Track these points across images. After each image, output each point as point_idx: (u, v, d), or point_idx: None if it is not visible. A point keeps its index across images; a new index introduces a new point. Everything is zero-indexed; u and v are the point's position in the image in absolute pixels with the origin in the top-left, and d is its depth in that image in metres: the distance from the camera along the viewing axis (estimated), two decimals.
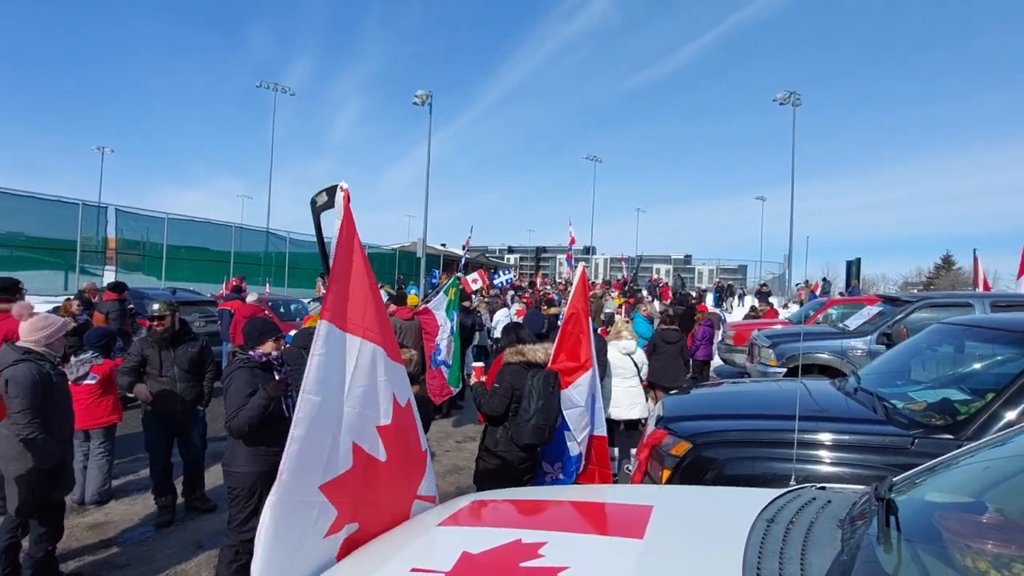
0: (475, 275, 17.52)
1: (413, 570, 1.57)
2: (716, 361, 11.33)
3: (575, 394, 3.57)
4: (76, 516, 4.10)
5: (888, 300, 8.43)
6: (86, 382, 4.31)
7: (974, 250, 14.34)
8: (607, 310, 11.76)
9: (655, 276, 32.46)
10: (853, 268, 22.96)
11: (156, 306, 4.19)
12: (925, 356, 3.92)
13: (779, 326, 10.85)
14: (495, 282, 20.74)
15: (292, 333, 5.37)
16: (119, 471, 4.84)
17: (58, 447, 3.03)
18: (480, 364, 3.88)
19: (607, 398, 5.06)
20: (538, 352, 3.57)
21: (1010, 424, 2.57)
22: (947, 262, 37.80)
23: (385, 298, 7.61)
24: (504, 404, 3.46)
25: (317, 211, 2.18)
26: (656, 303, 14.98)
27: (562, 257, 34.08)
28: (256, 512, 2.84)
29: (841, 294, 19.48)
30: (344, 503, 1.90)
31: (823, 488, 1.87)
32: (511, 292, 17.00)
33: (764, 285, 23.76)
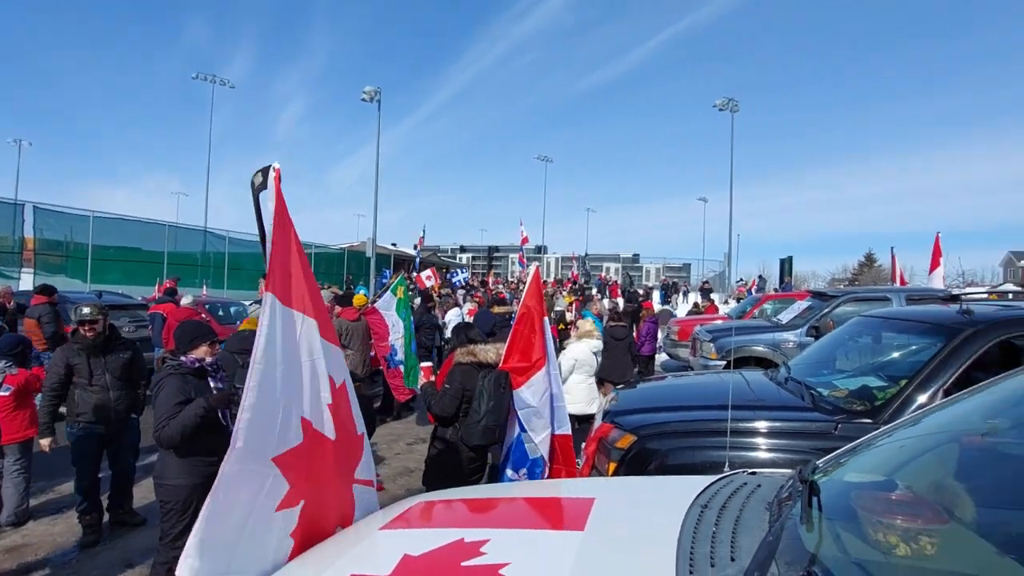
0: (428, 272, 17.40)
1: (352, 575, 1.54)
2: (663, 356, 11.72)
3: (528, 394, 3.55)
4: None
5: (816, 295, 9.00)
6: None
7: (891, 248, 15.51)
8: (557, 308, 11.94)
9: (604, 275, 33.18)
10: (786, 266, 24.34)
11: (87, 309, 3.95)
12: (848, 347, 4.20)
13: (719, 321, 11.33)
14: (453, 280, 20.63)
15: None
16: (37, 488, 4.50)
17: None
18: (429, 364, 3.85)
19: (575, 395, 5.25)
20: (489, 352, 3.57)
21: (922, 407, 2.78)
22: (869, 259, 40.55)
23: (330, 298, 7.44)
24: (455, 405, 3.44)
25: (256, 192, 2.18)
26: (605, 301, 15.31)
27: (514, 256, 34.23)
28: (190, 526, 2.70)
29: (776, 290, 20.53)
30: (296, 478, 1.92)
31: (754, 473, 1.96)
32: (462, 291, 16.96)
33: (706, 282, 24.79)
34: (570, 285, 23.24)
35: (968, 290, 6.67)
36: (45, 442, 3.89)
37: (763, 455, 2.88)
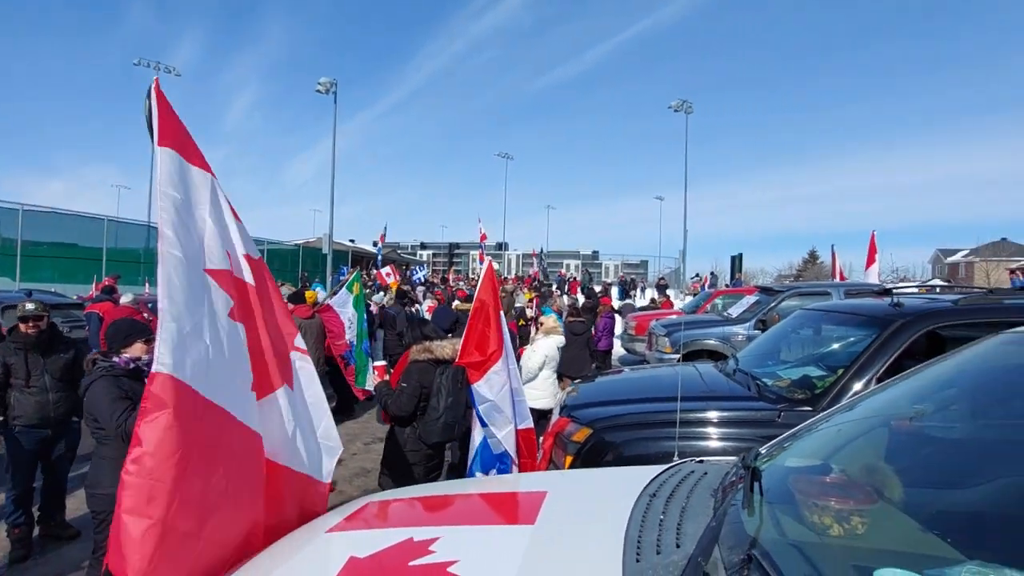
0: (388, 268, 17.17)
1: None
2: (620, 351, 11.94)
3: (485, 389, 3.50)
4: None
5: (764, 290, 9.39)
6: None
7: (832, 246, 16.39)
8: (518, 304, 11.98)
9: (565, 271, 33.54)
10: (736, 262, 25.24)
11: (30, 305, 3.75)
12: (791, 339, 4.39)
13: (674, 316, 11.64)
14: (414, 278, 20.39)
15: None
16: None
17: None
18: (383, 363, 3.77)
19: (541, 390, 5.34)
20: (445, 348, 3.52)
21: (857, 394, 2.93)
22: (812, 256, 42.48)
23: (285, 295, 7.21)
24: (413, 403, 3.38)
25: (149, 120, 2.05)
26: (565, 297, 15.48)
27: (475, 253, 34.18)
28: None
29: (727, 286, 21.26)
30: (237, 296, 2.05)
31: (702, 461, 2.02)
32: (422, 288, 16.82)
33: (662, 279, 25.46)
34: (530, 282, 23.38)
35: (900, 285, 7.10)
36: None
37: (712, 444, 2.97)
